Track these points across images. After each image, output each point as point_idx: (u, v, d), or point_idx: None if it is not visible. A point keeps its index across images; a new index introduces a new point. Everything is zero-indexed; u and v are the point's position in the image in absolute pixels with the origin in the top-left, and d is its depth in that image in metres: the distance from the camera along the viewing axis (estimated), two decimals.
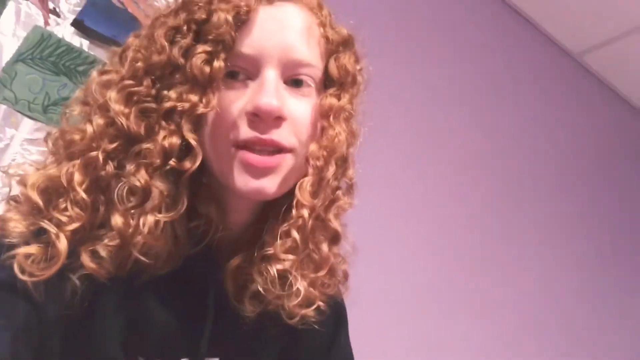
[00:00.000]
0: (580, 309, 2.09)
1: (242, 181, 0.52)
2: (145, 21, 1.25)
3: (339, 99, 0.57)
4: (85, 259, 0.48)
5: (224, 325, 0.57)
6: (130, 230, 0.48)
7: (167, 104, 0.49)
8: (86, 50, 1.25)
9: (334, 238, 0.59)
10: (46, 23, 1.23)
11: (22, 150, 1.19)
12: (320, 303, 0.57)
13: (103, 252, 0.49)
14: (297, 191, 0.54)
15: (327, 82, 0.58)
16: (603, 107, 2.31)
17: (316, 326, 0.58)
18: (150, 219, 0.49)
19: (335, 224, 0.58)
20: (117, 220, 0.48)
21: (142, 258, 0.49)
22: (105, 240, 0.49)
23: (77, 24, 1.24)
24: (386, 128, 1.63)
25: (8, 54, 1.19)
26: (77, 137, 0.51)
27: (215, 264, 0.57)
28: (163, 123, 0.49)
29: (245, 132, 0.51)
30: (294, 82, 0.55)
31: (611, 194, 2.30)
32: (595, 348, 2.09)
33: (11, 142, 1.18)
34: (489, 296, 1.84)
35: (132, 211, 0.49)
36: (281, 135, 0.53)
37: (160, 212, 0.49)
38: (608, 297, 2.19)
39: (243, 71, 0.53)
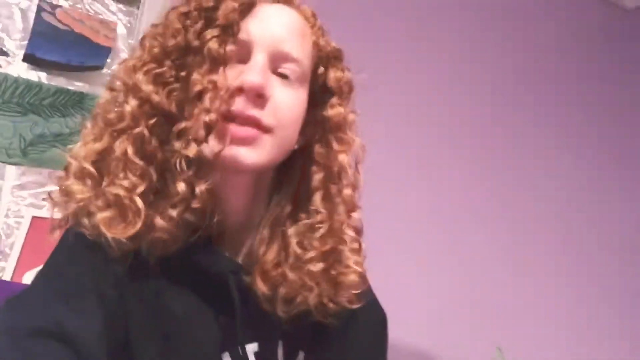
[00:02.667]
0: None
1: (219, 148, 0.54)
2: (94, 37, 1.24)
3: (344, 109, 0.63)
4: (159, 222, 0.53)
5: (249, 310, 0.58)
6: (192, 196, 0.54)
7: (197, 87, 0.54)
8: (46, 82, 1.23)
9: (357, 233, 0.64)
10: None
11: (14, 198, 1.18)
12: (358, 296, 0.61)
13: (174, 213, 0.53)
14: (340, 204, 0.61)
15: (323, 92, 0.63)
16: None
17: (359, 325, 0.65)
18: (203, 187, 0.54)
19: (357, 221, 0.64)
20: (181, 186, 0.53)
21: (190, 218, 0.54)
22: (171, 205, 0.54)
23: (29, 58, 1.21)
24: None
25: None
26: (114, 115, 0.56)
27: (223, 256, 0.59)
28: (197, 103, 0.54)
29: (230, 106, 0.55)
30: (281, 75, 0.59)
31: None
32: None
33: (1, 193, 1.17)
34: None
35: (190, 180, 0.54)
36: (262, 114, 0.56)
37: (206, 181, 0.54)
38: (608, 195, 2.23)
39: (237, 55, 0.57)
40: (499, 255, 1.89)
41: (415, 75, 1.85)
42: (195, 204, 0.53)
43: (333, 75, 0.63)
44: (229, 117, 0.55)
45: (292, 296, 0.58)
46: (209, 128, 0.53)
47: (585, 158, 2.16)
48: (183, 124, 0.54)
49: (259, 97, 0.55)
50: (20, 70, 1.21)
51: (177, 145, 0.53)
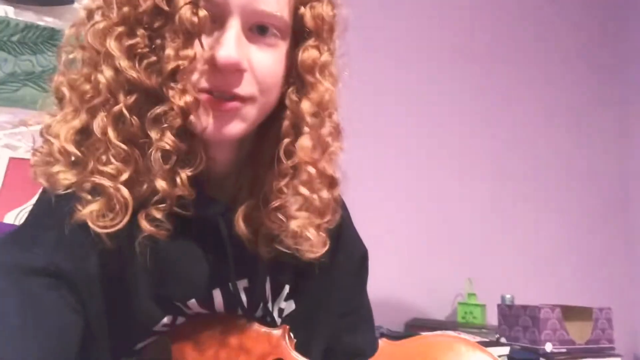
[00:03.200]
0: None
1: (203, 124, 0.53)
2: None
3: (320, 52, 0.58)
4: (144, 224, 0.52)
5: (239, 250, 0.60)
6: (174, 189, 0.52)
7: (170, 65, 0.50)
8: (13, 17, 1.17)
9: (332, 184, 0.62)
10: None
11: None
12: (326, 241, 0.61)
13: (158, 215, 0.52)
14: (299, 152, 0.57)
15: (302, 32, 0.58)
16: None
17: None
18: (184, 175, 0.52)
19: (330, 170, 0.61)
20: (161, 184, 0.51)
21: (179, 210, 0.53)
22: (155, 204, 0.52)
23: None
24: None
25: None
26: (88, 87, 0.52)
27: (211, 198, 0.60)
28: (171, 84, 0.50)
29: (206, 80, 0.53)
30: (259, 29, 0.55)
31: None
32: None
33: None
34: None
35: (170, 172, 0.52)
36: (241, 86, 0.54)
37: (186, 168, 0.53)
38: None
39: (210, 17, 0.52)
40: (474, 195, 1.96)
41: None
42: (178, 192, 0.52)
43: (311, 13, 0.57)
44: (206, 90, 0.53)
45: (270, 238, 0.60)
46: (186, 113, 0.50)
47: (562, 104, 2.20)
48: (158, 109, 0.50)
49: (235, 71, 0.53)
50: None
51: (153, 134, 0.51)
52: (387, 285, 1.55)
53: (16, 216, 1.09)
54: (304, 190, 0.58)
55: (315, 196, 0.59)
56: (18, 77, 1.19)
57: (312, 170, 0.58)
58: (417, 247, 1.81)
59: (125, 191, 0.51)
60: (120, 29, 0.51)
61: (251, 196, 0.60)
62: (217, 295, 0.61)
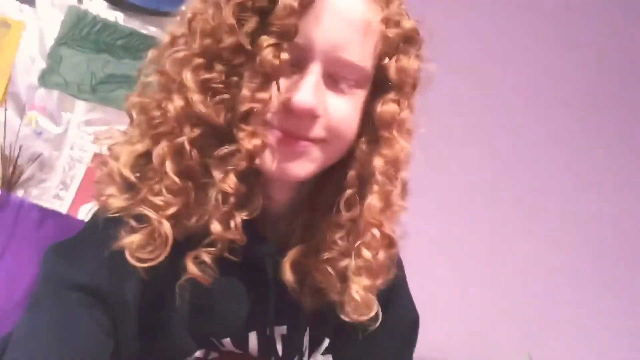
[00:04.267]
0: None
1: (270, 162, 0.52)
2: None
3: (400, 107, 0.56)
4: (191, 267, 0.51)
5: (282, 295, 0.58)
6: (227, 232, 0.51)
7: (244, 107, 0.49)
8: (122, 23, 1.25)
9: (390, 244, 0.59)
10: (79, 1, 1.23)
11: (80, 133, 1.23)
12: (376, 305, 0.58)
13: (206, 258, 0.51)
14: (365, 211, 0.55)
15: (384, 84, 0.56)
16: None
17: None
18: (238, 219, 0.51)
19: (389, 230, 0.58)
20: (216, 227, 0.50)
21: (228, 256, 0.52)
22: (206, 247, 0.51)
23: None
24: None
25: (50, 39, 1.21)
26: (158, 113, 0.52)
27: (262, 237, 0.58)
28: (242, 125, 0.50)
29: (278, 121, 0.52)
30: (338, 78, 0.54)
31: None
32: None
33: (69, 126, 1.22)
34: None
35: (225, 215, 0.51)
36: (312, 130, 0.53)
37: (242, 211, 0.52)
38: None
39: (291, 60, 0.51)
40: (543, 260, 1.83)
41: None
42: (230, 235, 0.51)
43: (395, 65, 0.55)
44: (276, 127, 0.52)
45: (315, 290, 0.58)
46: (253, 156, 0.50)
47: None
48: (225, 149, 0.50)
49: (309, 117, 0.52)
50: (100, 8, 1.24)
51: (216, 174, 0.50)
52: (438, 353, 1.47)
53: (89, 210, 1.14)
54: (365, 252, 0.55)
55: (374, 257, 0.56)
56: (116, 78, 1.26)
57: (377, 233, 0.55)
58: (473, 312, 1.71)
59: (167, 226, 0.50)
60: (199, 60, 0.50)
61: (302, 242, 0.58)
62: (253, 338, 0.59)
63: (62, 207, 1.18)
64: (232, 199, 0.50)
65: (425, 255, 1.45)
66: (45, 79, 1.21)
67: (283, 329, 0.61)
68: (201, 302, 0.55)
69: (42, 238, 1.00)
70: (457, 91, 1.71)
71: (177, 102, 0.50)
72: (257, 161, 0.51)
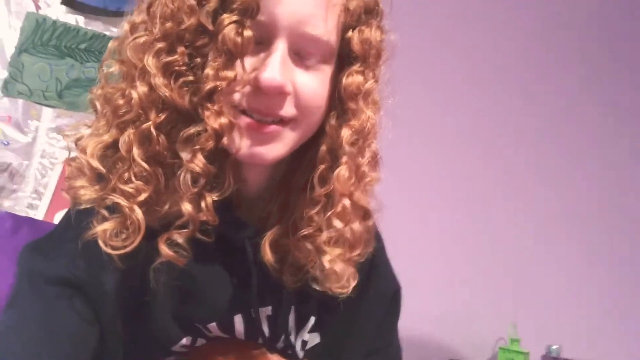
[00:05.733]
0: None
1: (239, 145, 0.52)
2: None
3: (365, 78, 0.56)
4: (164, 249, 0.51)
5: (265, 276, 0.59)
6: (199, 213, 0.51)
7: (208, 85, 0.49)
8: (83, 26, 1.23)
9: (365, 215, 0.59)
10: (37, 7, 1.21)
11: (49, 139, 1.21)
12: (353, 275, 0.59)
13: (179, 239, 0.51)
14: (335, 182, 0.55)
15: (348, 57, 0.57)
16: None
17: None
18: (209, 200, 0.51)
19: (364, 202, 0.58)
20: (187, 207, 0.50)
21: (201, 236, 0.52)
22: (177, 228, 0.51)
23: (68, 1, 1.21)
24: None
25: (10, 47, 1.19)
26: (122, 102, 0.52)
27: (241, 221, 0.59)
28: (207, 104, 0.49)
29: (247, 102, 0.52)
30: (304, 54, 0.54)
31: None
32: None
33: (37, 134, 1.21)
34: None
35: (196, 195, 0.51)
36: (282, 109, 0.53)
37: (213, 192, 0.52)
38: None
39: (255, 38, 0.51)
40: (525, 232, 1.87)
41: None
42: (202, 217, 0.51)
43: (358, 37, 0.55)
44: (244, 110, 0.52)
45: (296, 268, 0.58)
46: (219, 135, 0.49)
47: None
48: (191, 129, 0.50)
49: (278, 94, 0.52)
50: (59, 13, 1.22)
51: (184, 155, 0.50)
52: (423, 323, 1.49)
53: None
54: (337, 222, 0.56)
55: (347, 228, 0.57)
56: (82, 83, 1.24)
57: (347, 202, 0.56)
58: (458, 283, 1.74)
59: (138, 212, 0.50)
60: (160, 45, 0.50)
61: (280, 222, 0.59)
62: (239, 321, 0.60)
63: (37, 216, 1.16)
64: (201, 180, 0.50)
65: (410, 227, 1.48)
66: (8, 88, 1.18)
67: (268, 310, 0.61)
68: (184, 287, 0.55)
69: (17, 247, 0.98)
70: (458, 89, 1.75)
71: (141, 88, 0.50)
72: (225, 141, 0.51)
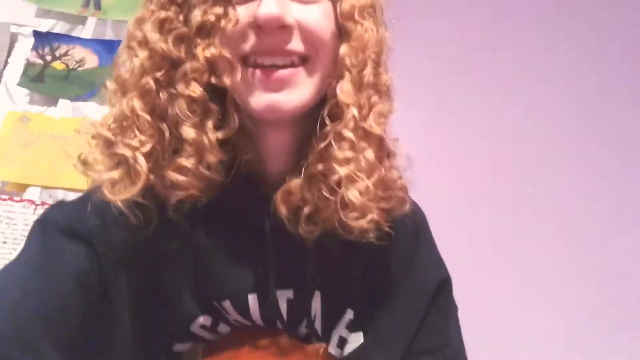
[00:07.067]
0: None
1: (255, 99, 0.51)
2: None
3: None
4: (173, 176, 0.50)
5: (287, 256, 0.56)
6: (204, 142, 0.50)
7: (195, 21, 0.50)
8: None
9: (380, 145, 0.56)
10: None
11: None
12: (376, 216, 0.54)
13: (187, 163, 0.50)
14: (338, 94, 0.53)
15: None
16: None
17: (391, 244, 0.57)
18: (212, 136, 0.50)
19: (376, 129, 0.54)
20: (188, 132, 0.50)
21: (207, 172, 0.51)
22: (184, 156, 0.51)
23: None
24: None
25: None
26: (127, 75, 0.53)
27: (261, 195, 0.57)
28: (198, 40, 0.50)
29: (253, 45, 0.51)
30: None
31: None
32: None
33: None
34: None
35: (199, 125, 0.50)
36: (291, 43, 0.51)
37: (218, 130, 0.51)
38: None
39: None
40: None
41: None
42: (209, 157, 0.50)
43: None
44: (251, 61, 0.51)
45: (312, 214, 0.55)
46: (212, 68, 0.50)
47: None
48: (186, 65, 0.50)
49: (280, 29, 0.50)
50: None
51: (180, 87, 0.50)
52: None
53: None
54: (347, 133, 0.52)
55: (361, 156, 0.53)
56: None
57: (354, 111, 0.52)
58: None
59: (142, 161, 0.50)
60: (156, 13, 0.52)
61: (295, 178, 0.55)
62: (253, 301, 0.56)
63: None
64: (198, 109, 0.50)
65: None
66: None
67: (290, 293, 0.58)
68: (200, 261, 0.55)
69: None
70: (461, 87, 1.77)
71: (141, 54, 0.52)
72: (226, 79, 0.50)
